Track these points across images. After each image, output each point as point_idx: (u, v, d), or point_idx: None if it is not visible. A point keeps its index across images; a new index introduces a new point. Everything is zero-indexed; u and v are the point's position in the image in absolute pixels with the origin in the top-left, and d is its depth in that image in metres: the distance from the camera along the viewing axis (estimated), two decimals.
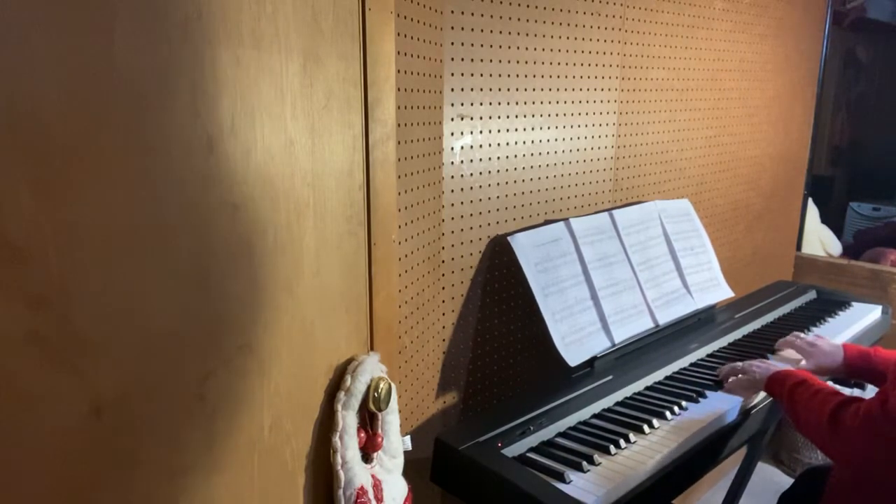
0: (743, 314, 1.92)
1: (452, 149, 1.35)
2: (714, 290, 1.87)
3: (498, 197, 1.47)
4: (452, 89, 1.33)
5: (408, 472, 1.02)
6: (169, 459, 0.71)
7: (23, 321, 0.58)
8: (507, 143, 1.47)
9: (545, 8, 1.48)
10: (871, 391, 1.96)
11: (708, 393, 1.41)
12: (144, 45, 0.64)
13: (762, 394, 1.41)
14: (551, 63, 1.53)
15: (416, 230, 1.22)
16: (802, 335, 1.61)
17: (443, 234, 1.37)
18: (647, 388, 1.46)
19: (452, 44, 1.32)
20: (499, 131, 1.45)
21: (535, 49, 1.48)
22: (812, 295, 2.18)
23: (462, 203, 1.40)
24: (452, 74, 1.33)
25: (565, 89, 1.58)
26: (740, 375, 1.41)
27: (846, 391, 1.21)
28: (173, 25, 0.66)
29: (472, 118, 1.38)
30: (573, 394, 1.36)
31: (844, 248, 3.42)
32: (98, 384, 0.64)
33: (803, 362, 1.50)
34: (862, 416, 1.08)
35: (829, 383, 1.26)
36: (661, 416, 1.31)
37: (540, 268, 1.46)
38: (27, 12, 0.56)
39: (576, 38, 1.58)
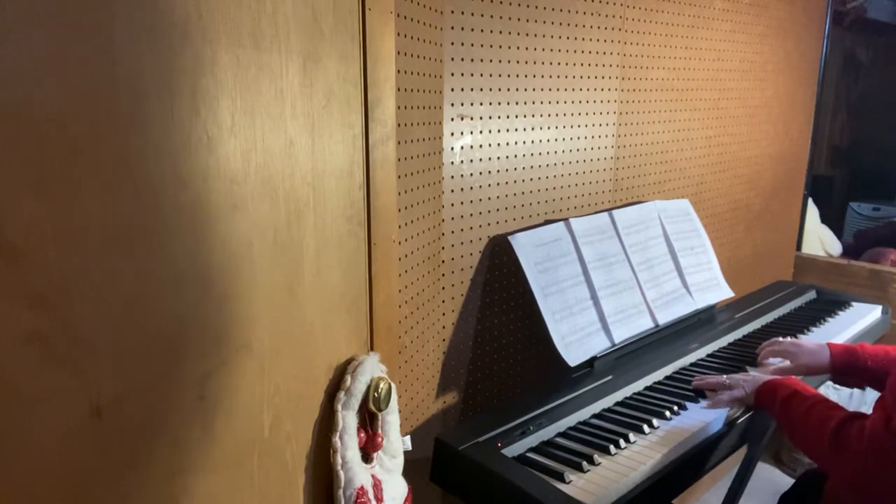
0: (743, 314, 1.92)
1: (452, 149, 1.35)
2: (714, 289, 1.87)
3: (498, 197, 1.47)
4: (452, 89, 1.33)
5: (408, 472, 1.02)
6: (169, 459, 0.71)
7: (23, 321, 0.58)
8: (507, 143, 1.47)
9: (545, 8, 1.48)
10: (870, 393, 1.95)
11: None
12: (144, 45, 0.64)
13: None
14: (551, 63, 1.53)
15: (416, 230, 1.22)
16: (782, 339, 1.56)
17: (443, 234, 1.37)
18: (647, 388, 1.46)
19: (452, 44, 1.32)
20: (499, 131, 1.45)
21: (535, 49, 1.48)
22: (812, 295, 2.18)
23: (462, 203, 1.40)
24: (452, 74, 1.33)
25: (565, 89, 1.58)
26: (727, 393, 1.35)
27: (846, 392, 1.20)
28: (173, 25, 0.66)
29: (472, 118, 1.38)
30: (573, 394, 1.36)
31: (844, 248, 3.43)
32: (98, 384, 0.64)
33: (789, 363, 1.45)
34: (867, 440, 1.04)
35: (827, 385, 1.23)
36: (661, 416, 1.31)
37: (540, 268, 1.46)
38: (27, 12, 0.56)
39: (576, 38, 1.58)
